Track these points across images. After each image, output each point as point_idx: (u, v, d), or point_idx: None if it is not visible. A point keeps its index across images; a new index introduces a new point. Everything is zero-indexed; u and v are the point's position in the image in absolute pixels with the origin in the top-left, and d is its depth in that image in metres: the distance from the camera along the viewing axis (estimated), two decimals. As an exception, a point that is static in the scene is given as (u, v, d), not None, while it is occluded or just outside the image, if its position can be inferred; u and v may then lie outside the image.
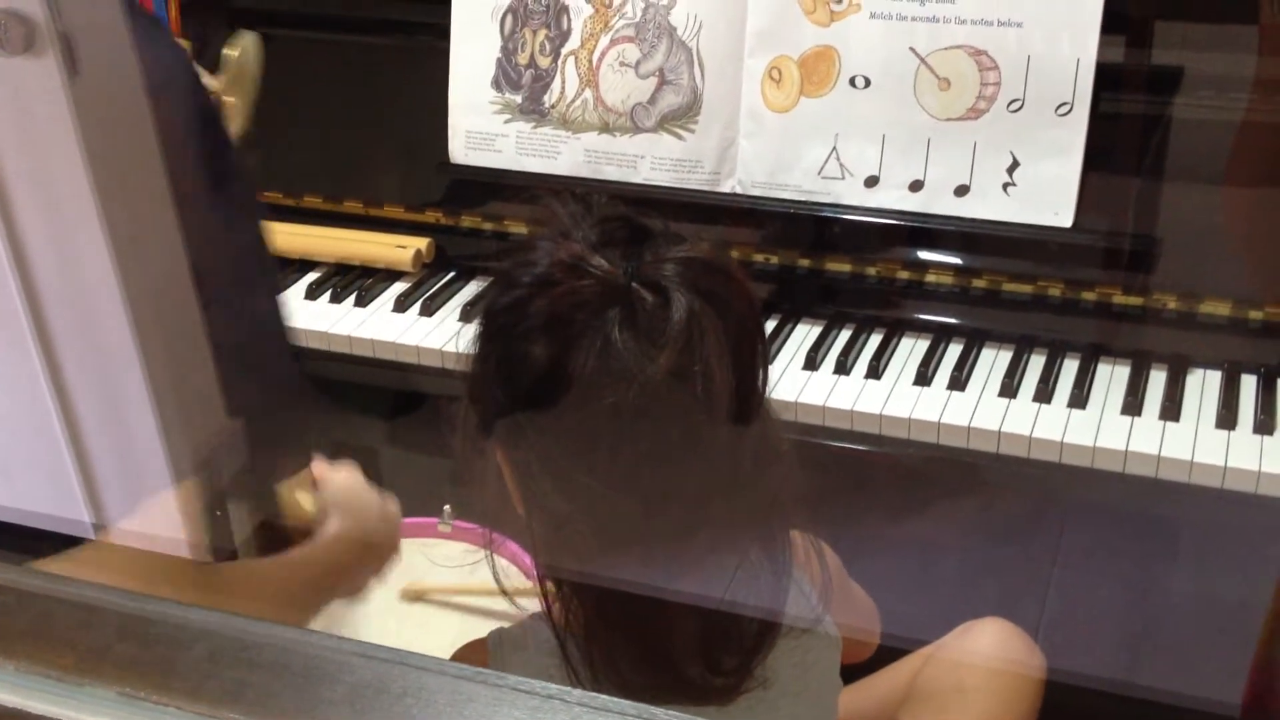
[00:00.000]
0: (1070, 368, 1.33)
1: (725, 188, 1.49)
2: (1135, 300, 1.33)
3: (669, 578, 0.77)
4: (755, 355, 0.78)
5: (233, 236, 0.88)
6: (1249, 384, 1.28)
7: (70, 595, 0.51)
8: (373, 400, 1.59)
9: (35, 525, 0.78)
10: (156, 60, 0.69)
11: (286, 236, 1.59)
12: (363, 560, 1.03)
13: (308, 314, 1.51)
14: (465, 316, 1.49)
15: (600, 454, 0.75)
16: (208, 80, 1.07)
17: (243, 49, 1.08)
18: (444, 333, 1.47)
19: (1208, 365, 1.31)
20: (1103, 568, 1.38)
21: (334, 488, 1.02)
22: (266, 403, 0.92)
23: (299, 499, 1.05)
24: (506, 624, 0.86)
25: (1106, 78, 1.32)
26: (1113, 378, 1.31)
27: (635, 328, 0.72)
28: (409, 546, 1.27)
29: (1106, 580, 1.39)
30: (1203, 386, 1.29)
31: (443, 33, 1.57)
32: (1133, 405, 1.26)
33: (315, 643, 0.51)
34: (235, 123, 1.11)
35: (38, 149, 0.66)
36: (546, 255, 0.75)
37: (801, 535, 0.86)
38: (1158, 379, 1.30)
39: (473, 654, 0.87)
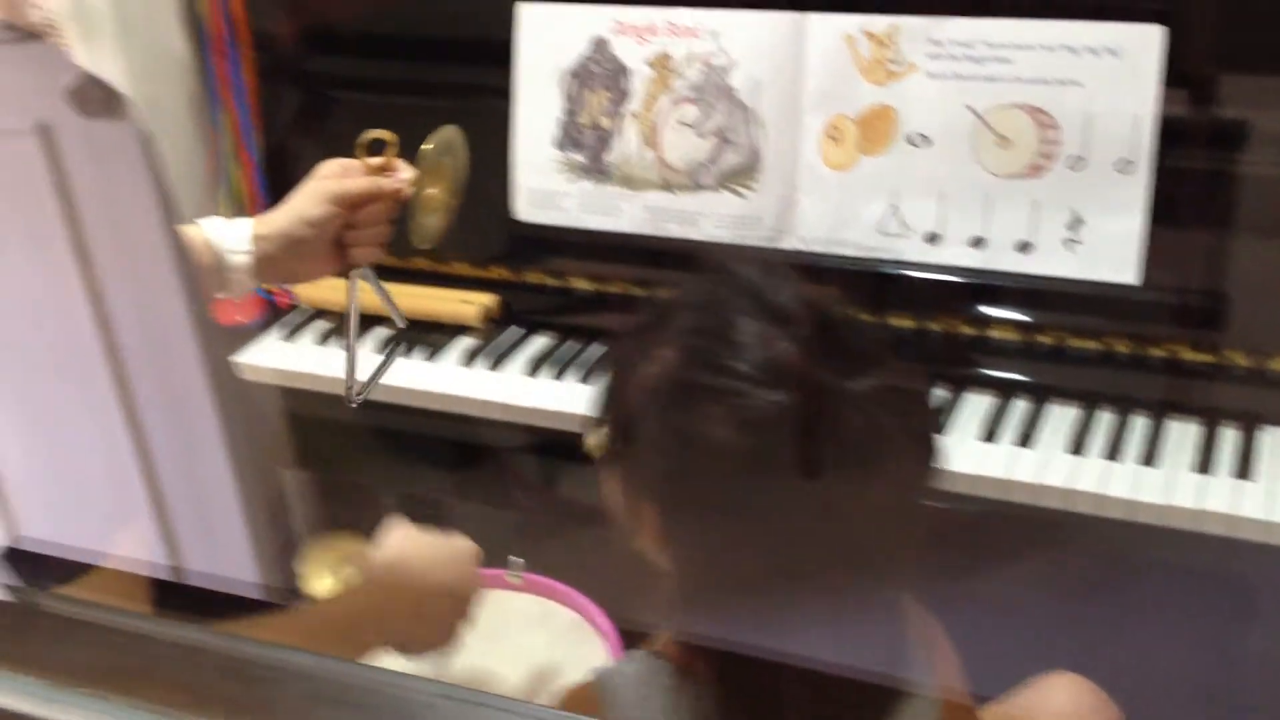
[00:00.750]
0: (1139, 424, 1.32)
1: (786, 245, 1.50)
2: (1204, 357, 1.32)
3: (802, 646, 0.77)
4: (928, 469, 0.80)
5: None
6: (1322, 442, 1.27)
7: (177, 638, 0.53)
8: (439, 452, 1.61)
9: (112, 566, 0.80)
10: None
11: (359, 293, 1.61)
12: (425, 607, 1.01)
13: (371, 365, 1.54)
14: (532, 371, 1.51)
15: (761, 534, 0.76)
16: (406, 173, 1.08)
17: (438, 141, 1.10)
18: (510, 387, 1.48)
19: (1280, 423, 1.30)
20: (1176, 626, 1.35)
21: (380, 547, 1.02)
22: None
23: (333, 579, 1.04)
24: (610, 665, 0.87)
25: (1169, 134, 1.32)
26: (1183, 435, 1.30)
27: (827, 440, 0.73)
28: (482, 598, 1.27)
29: (1180, 639, 1.36)
30: (1276, 444, 1.28)
31: (504, 94, 1.60)
32: (1204, 463, 1.25)
33: (405, 684, 0.52)
34: (438, 215, 1.12)
35: (116, 206, 0.69)
36: (743, 343, 0.74)
37: (922, 610, 0.86)
38: (1229, 436, 1.29)
39: (580, 698, 0.87)
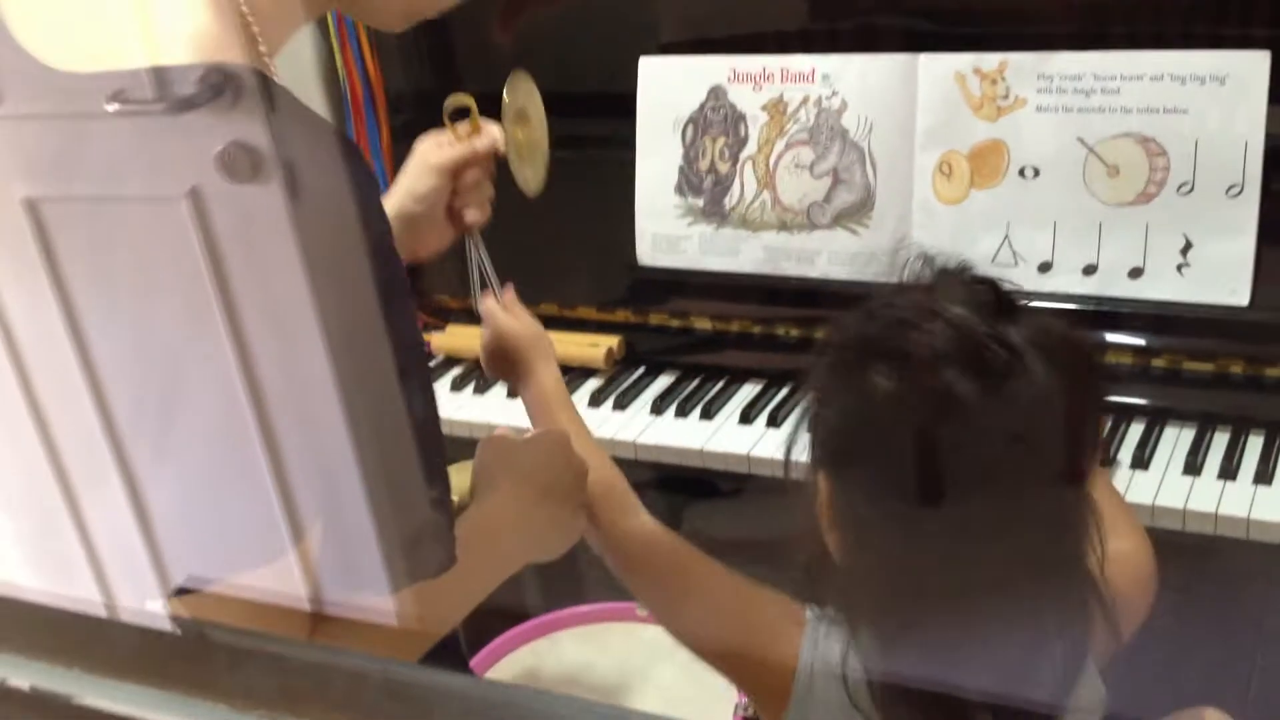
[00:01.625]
0: (1255, 444, 1.33)
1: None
2: (1318, 376, 1.32)
3: (966, 641, 0.80)
4: (1086, 431, 0.82)
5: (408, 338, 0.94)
6: None
7: (344, 664, 0.60)
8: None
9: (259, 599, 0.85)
10: (351, 179, 0.75)
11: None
12: (538, 506, 0.98)
13: (510, 411, 1.62)
14: (656, 410, 1.58)
15: (920, 500, 0.79)
16: (494, 129, 1.14)
17: (511, 89, 1.14)
18: (636, 426, 1.55)
19: (1397, 439, 1.29)
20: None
21: (478, 465, 1.00)
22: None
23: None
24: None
25: (1277, 157, 1.33)
26: (1299, 453, 1.31)
27: (983, 382, 0.76)
28: (612, 630, 1.34)
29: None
30: (1394, 461, 1.27)
31: (625, 144, 1.67)
32: (1322, 481, 1.26)
33: (550, 702, 0.58)
34: (536, 159, 1.16)
35: (262, 269, 0.70)
36: (909, 303, 0.81)
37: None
38: (1347, 454, 1.29)
39: (780, 607, 0.91)
